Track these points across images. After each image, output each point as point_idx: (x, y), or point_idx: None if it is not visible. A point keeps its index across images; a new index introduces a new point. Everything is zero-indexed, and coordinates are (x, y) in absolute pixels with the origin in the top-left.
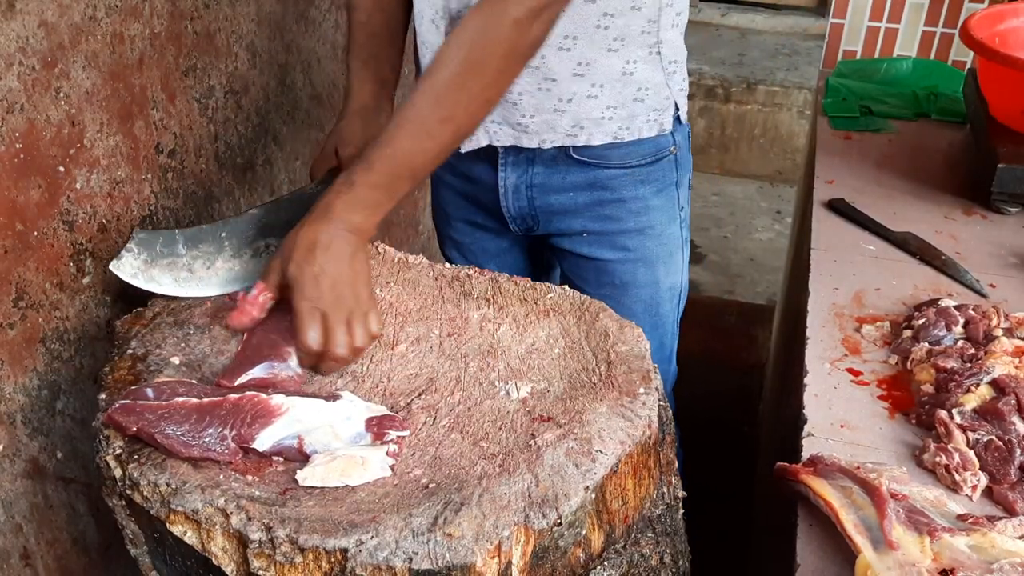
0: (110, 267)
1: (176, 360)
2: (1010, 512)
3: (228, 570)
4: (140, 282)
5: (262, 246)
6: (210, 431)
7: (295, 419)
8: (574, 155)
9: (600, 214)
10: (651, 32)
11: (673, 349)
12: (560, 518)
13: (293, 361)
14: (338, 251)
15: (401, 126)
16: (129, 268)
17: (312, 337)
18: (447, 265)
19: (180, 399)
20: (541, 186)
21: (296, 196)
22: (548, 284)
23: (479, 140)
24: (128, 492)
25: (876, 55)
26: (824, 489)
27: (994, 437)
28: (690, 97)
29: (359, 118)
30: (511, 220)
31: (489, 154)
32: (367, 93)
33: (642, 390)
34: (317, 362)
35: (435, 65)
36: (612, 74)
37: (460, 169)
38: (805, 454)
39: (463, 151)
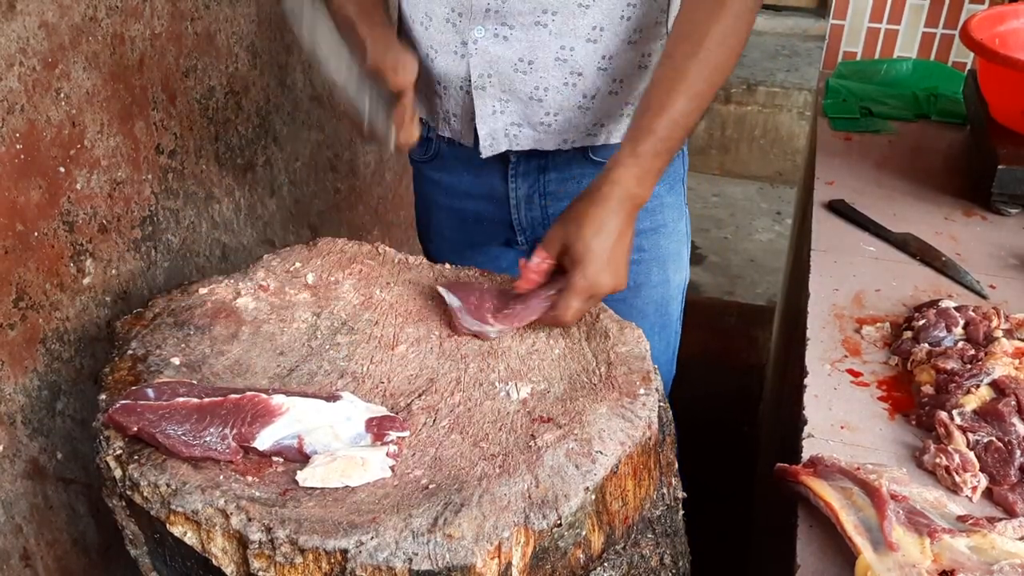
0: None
1: (176, 361)
2: (1010, 513)
3: (228, 571)
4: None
5: None
6: (211, 430)
7: (295, 419)
8: (592, 156)
9: None
10: (662, 22)
11: (676, 348)
12: (560, 519)
13: (492, 327)
14: (621, 230)
15: (675, 90)
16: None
17: (573, 313)
18: (447, 266)
19: (181, 399)
20: (554, 193)
21: None
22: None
23: (498, 145)
24: (128, 493)
25: (876, 56)
26: (824, 490)
27: (994, 438)
28: None
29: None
30: (520, 231)
31: (499, 166)
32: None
33: (642, 391)
34: (547, 320)
35: (692, 32)
36: (630, 68)
37: (462, 188)
38: (805, 455)
39: (483, 156)
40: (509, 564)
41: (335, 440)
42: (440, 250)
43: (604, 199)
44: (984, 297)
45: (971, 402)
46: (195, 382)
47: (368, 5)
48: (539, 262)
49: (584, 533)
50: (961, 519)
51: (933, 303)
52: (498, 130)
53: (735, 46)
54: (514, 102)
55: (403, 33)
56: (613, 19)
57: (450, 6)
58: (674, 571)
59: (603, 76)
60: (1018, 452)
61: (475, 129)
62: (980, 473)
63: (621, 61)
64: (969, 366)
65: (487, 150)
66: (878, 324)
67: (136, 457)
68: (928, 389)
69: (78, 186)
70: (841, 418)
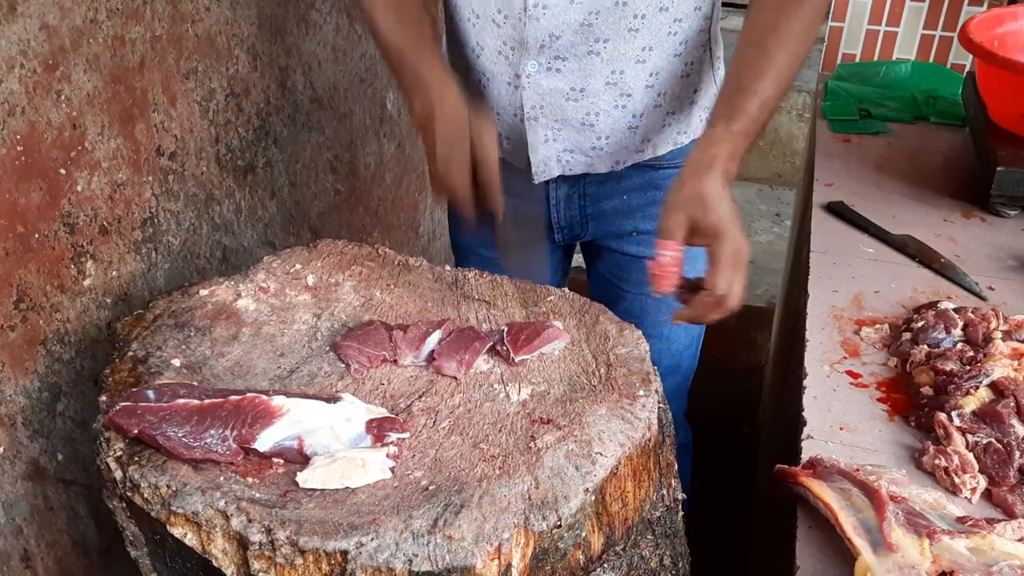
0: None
1: (177, 362)
2: (1009, 514)
3: (228, 572)
4: None
5: None
6: (211, 432)
7: (295, 420)
8: None
9: (652, 213)
10: (705, 29)
11: (700, 345)
12: (560, 520)
13: None
14: (730, 198)
15: (764, 75)
16: None
17: (729, 284)
18: (447, 268)
19: (181, 401)
20: (594, 194)
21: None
22: (548, 286)
23: (551, 171)
24: (129, 494)
25: (875, 58)
26: (823, 491)
27: (993, 439)
28: None
29: (484, 122)
30: (558, 230)
31: None
32: (459, 92)
33: (642, 392)
34: (712, 308)
35: (779, 23)
36: (674, 79)
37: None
38: (804, 456)
39: (536, 182)
40: (509, 565)
41: (335, 441)
42: (473, 243)
43: (711, 173)
44: (983, 299)
45: (970, 403)
46: (195, 384)
47: (417, 36)
48: (672, 254)
49: (584, 534)
50: (960, 520)
51: (932, 305)
52: (550, 157)
53: (811, 43)
54: (566, 129)
55: (451, 58)
56: (661, 37)
57: (502, 39)
58: (674, 572)
59: (649, 93)
60: (1017, 453)
61: (527, 155)
62: (979, 474)
63: (666, 75)
64: (968, 367)
65: (539, 176)
66: (877, 325)
67: (136, 458)
68: (927, 390)
69: (79, 188)
70: (840, 419)
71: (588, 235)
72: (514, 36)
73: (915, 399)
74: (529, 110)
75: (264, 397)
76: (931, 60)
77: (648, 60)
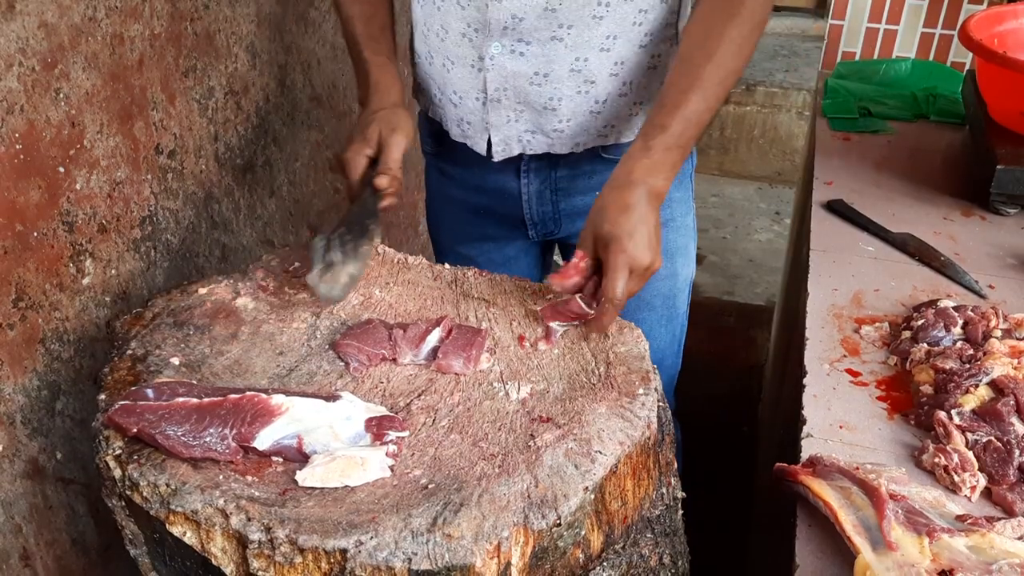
0: (307, 280)
1: (176, 361)
2: (1009, 513)
3: (228, 570)
4: (331, 290)
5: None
6: (210, 431)
7: (295, 418)
8: (602, 154)
9: None
10: (672, 23)
11: (682, 342)
12: (559, 519)
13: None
14: (644, 212)
15: (690, 90)
16: (317, 279)
17: (620, 287)
18: (446, 266)
19: (180, 399)
20: (565, 189)
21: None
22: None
23: (511, 150)
24: (128, 492)
25: (875, 56)
26: (823, 490)
27: (993, 438)
28: None
29: (402, 109)
30: (532, 226)
31: (511, 163)
32: (398, 88)
33: (641, 391)
34: (609, 309)
35: (708, 37)
36: (641, 70)
37: (473, 182)
38: (804, 455)
39: (495, 160)
40: (508, 564)
41: (335, 440)
42: (451, 241)
43: (622, 187)
44: (983, 297)
45: (970, 402)
46: (195, 382)
47: (376, 31)
48: (576, 261)
49: (583, 533)
50: (960, 519)
51: (932, 303)
52: (511, 137)
53: (748, 53)
54: (528, 111)
55: (417, 42)
56: (625, 26)
57: (466, 21)
58: (673, 571)
59: (614, 81)
60: (1017, 451)
61: (488, 137)
62: (979, 473)
63: (632, 65)
64: (968, 366)
65: (499, 155)
66: (877, 324)
67: (135, 457)
68: (927, 389)
69: (77, 186)
70: (840, 418)
71: (562, 233)
72: (477, 17)
73: (915, 397)
74: (492, 92)
75: (263, 395)
76: (931, 58)
77: (612, 49)
